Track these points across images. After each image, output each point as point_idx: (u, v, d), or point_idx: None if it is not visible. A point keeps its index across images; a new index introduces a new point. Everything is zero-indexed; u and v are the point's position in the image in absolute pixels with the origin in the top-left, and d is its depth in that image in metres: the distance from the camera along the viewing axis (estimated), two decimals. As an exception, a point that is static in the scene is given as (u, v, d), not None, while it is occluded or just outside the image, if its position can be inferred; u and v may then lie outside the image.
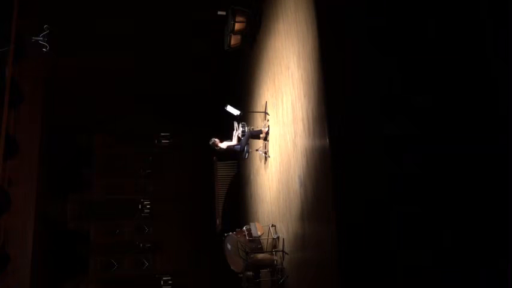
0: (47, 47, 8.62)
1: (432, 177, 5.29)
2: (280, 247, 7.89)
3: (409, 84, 5.57)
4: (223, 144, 9.45)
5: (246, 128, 9.41)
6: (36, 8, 10.31)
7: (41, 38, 8.57)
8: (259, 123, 9.92)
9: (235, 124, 9.47)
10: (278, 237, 8.07)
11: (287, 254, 7.59)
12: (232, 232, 8.67)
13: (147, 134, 15.40)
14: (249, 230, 8.45)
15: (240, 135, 9.37)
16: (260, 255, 8.06)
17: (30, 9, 10.01)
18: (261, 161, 9.81)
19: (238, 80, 12.78)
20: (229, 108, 9.37)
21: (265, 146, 9.25)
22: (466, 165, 5.21)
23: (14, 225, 9.72)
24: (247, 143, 9.38)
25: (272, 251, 8.09)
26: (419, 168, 5.33)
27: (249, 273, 8.17)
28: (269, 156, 8.96)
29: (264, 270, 8.27)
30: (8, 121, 9.10)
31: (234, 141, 9.42)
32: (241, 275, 8.35)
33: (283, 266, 7.73)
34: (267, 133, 9.06)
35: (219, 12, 11.12)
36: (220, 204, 12.83)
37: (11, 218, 9.44)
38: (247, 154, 9.71)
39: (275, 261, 7.95)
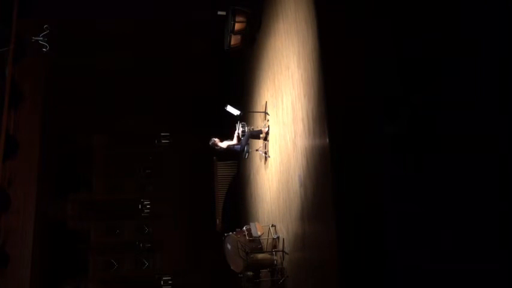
0: (47, 47, 8.62)
1: (432, 177, 5.29)
2: (280, 247, 7.89)
3: (409, 84, 5.57)
4: (224, 144, 9.45)
5: (246, 128, 9.40)
6: (36, 8, 10.30)
7: (41, 38, 8.58)
8: (259, 123, 9.92)
9: (236, 125, 9.48)
10: (278, 237, 8.07)
11: (287, 254, 7.59)
12: (232, 232, 8.67)
13: (147, 134, 15.39)
14: (249, 230, 8.44)
15: (240, 135, 9.37)
16: (260, 255, 8.06)
17: (30, 9, 10.00)
18: (261, 161, 9.81)
19: (238, 80, 12.77)
20: (229, 108, 9.37)
21: (265, 146, 9.25)
22: (466, 165, 5.21)
23: (14, 225, 9.72)
24: (247, 143, 9.38)
25: (272, 251, 8.09)
26: (419, 168, 5.33)
27: (249, 273, 8.17)
28: (269, 156, 8.96)
29: (264, 270, 8.28)
30: (8, 121, 9.10)
31: (234, 141, 9.42)
32: (241, 275, 8.34)
33: (283, 266, 7.73)
34: (267, 133, 9.06)
35: (219, 12, 11.12)
36: (220, 204, 12.83)
37: (11, 218, 9.44)
38: (247, 154, 9.71)
39: (275, 261, 7.95)
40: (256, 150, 9.67)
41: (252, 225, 8.53)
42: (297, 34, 6.94)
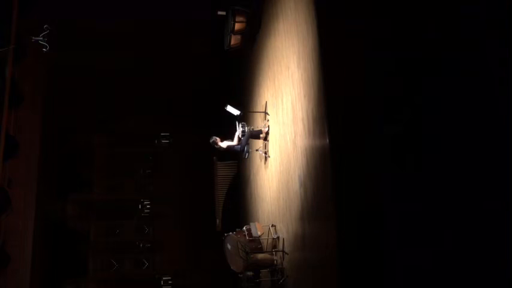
0: (47, 47, 8.62)
1: (432, 176, 5.29)
2: (280, 247, 7.89)
3: (409, 84, 5.57)
4: (224, 144, 9.46)
5: (246, 128, 9.41)
6: (36, 8, 10.30)
7: (41, 38, 8.57)
8: (259, 123, 9.92)
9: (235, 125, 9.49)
10: (278, 237, 8.07)
11: (287, 254, 7.59)
12: (232, 232, 8.67)
13: (147, 134, 15.39)
14: (249, 230, 8.45)
15: (240, 135, 9.37)
16: (260, 255, 8.06)
17: (30, 9, 10.00)
18: (261, 161, 9.81)
19: (238, 80, 12.77)
20: (229, 108, 9.37)
21: (265, 146, 9.25)
22: (466, 165, 5.21)
23: (14, 225, 9.72)
24: (247, 143, 9.38)
25: (272, 251, 8.09)
26: (419, 168, 5.33)
27: (249, 273, 8.17)
28: (269, 156, 8.96)
29: (264, 270, 8.28)
30: (8, 121, 9.09)
31: (235, 142, 9.42)
32: (241, 275, 8.35)
33: (283, 266, 7.73)
34: (267, 133, 9.06)
35: (219, 12, 11.12)
36: (220, 204, 12.83)
37: (11, 218, 9.44)
38: (247, 154, 9.71)
39: (275, 261, 7.95)
40: (256, 150, 9.67)
41: (252, 225, 8.54)
42: (297, 34, 6.93)
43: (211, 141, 9.43)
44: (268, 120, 9.11)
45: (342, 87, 5.62)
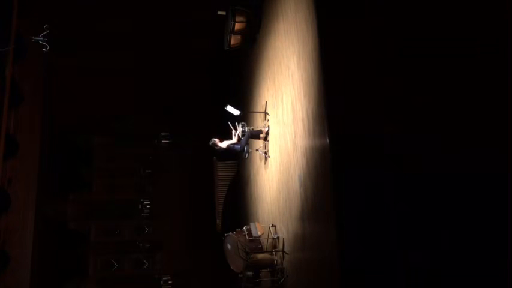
0: (47, 47, 8.61)
1: (432, 177, 5.29)
2: (280, 247, 7.89)
3: (409, 84, 5.57)
4: (224, 144, 9.45)
5: (246, 128, 9.41)
6: (36, 8, 10.30)
7: (41, 38, 8.56)
8: (259, 123, 9.92)
9: (234, 125, 9.48)
10: (278, 237, 8.07)
11: (287, 254, 7.59)
12: (232, 232, 8.67)
13: (147, 134, 15.39)
14: (249, 230, 8.45)
15: (240, 135, 9.37)
16: (260, 255, 8.06)
17: (30, 9, 10.00)
18: (261, 161, 9.81)
19: (238, 80, 12.78)
20: (229, 108, 9.38)
21: (265, 146, 9.25)
22: (465, 165, 5.21)
23: (14, 225, 9.71)
24: (247, 143, 9.38)
25: (272, 251, 8.09)
26: (418, 168, 5.33)
27: (249, 273, 8.17)
28: (269, 156, 8.96)
29: (264, 270, 8.28)
30: (8, 121, 9.08)
31: (234, 140, 9.42)
32: (241, 275, 8.35)
33: (283, 266, 7.73)
34: (267, 133, 9.06)
35: (219, 12, 11.12)
36: (220, 204, 12.82)
37: (11, 218, 9.43)
38: (247, 154, 9.71)
39: (275, 261, 7.95)
40: (256, 150, 9.67)
41: (252, 225, 8.54)
42: (297, 34, 6.94)
43: (210, 143, 9.42)
44: (268, 120, 9.11)
45: (342, 87, 5.63)
